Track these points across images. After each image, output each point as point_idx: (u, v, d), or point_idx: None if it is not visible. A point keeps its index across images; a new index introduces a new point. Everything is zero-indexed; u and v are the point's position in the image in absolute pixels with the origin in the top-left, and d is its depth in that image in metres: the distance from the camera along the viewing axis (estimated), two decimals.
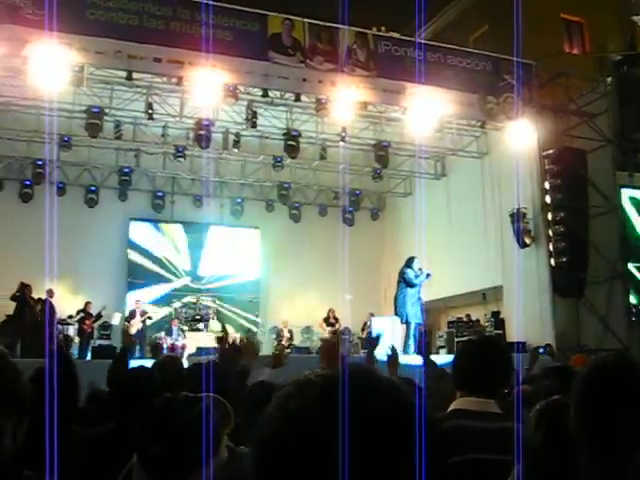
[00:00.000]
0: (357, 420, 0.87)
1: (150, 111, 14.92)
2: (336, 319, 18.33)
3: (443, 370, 4.24)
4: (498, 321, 16.82)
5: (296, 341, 18.36)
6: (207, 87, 13.34)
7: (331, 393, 0.90)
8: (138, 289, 18.70)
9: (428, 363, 4.68)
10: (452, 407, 2.59)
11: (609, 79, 16.82)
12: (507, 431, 2.24)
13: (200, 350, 15.01)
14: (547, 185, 15.45)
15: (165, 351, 15.32)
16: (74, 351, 15.87)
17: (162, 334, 16.44)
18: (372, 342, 4.73)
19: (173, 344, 16.02)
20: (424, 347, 5.17)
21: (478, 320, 17.63)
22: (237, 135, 16.92)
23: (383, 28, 17.01)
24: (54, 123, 14.75)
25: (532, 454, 1.93)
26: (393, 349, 4.29)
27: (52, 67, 12.11)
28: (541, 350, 11.51)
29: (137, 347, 16.20)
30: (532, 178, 15.67)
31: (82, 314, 16.17)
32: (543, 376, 3.44)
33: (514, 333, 15.60)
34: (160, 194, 19.38)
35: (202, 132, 15.14)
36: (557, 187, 15.31)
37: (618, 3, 25.47)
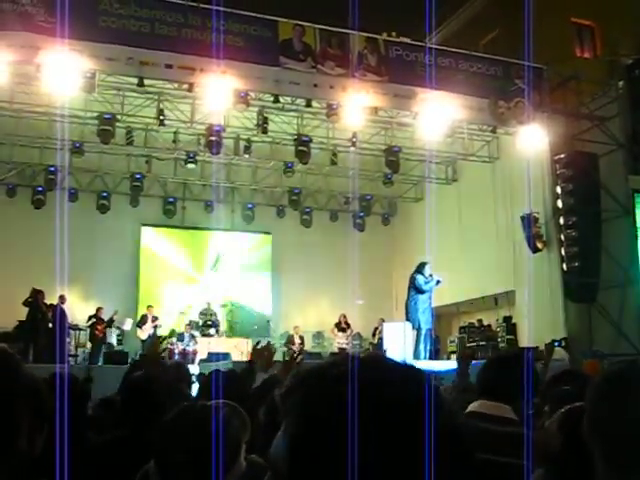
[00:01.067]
0: (378, 408, 0.88)
1: (161, 117, 14.97)
2: (348, 324, 18.32)
3: (471, 384, 4.27)
4: (510, 326, 16.77)
5: (307, 346, 18.34)
6: (218, 93, 13.38)
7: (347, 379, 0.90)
8: (150, 295, 18.74)
9: (462, 372, 4.72)
10: (468, 410, 2.62)
11: (620, 83, 16.76)
12: (519, 436, 2.26)
13: (211, 355, 15.04)
14: (559, 189, 15.38)
15: (176, 357, 15.37)
16: (85, 356, 15.99)
17: (174, 339, 16.46)
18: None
19: (184, 349, 16.05)
20: (461, 359, 5.18)
21: (490, 325, 17.58)
22: (248, 141, 16.96)
23: (394, 33, 17.03)
24: (66, 129, 14.84)
25: (553, 460, 1.93)
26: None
27: (64, 74, 12.17)
28: (556, 343, 11.44)
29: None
30: (544, 183, 15.62)
31: (94, 319, 16.23)
32: (559, 381, 3.43)
33: (526, 338, 15.56)
34: (171, 200, 19.43)
35: (213, 138, 15.19)
36: (569, 191, 15.24)
37: (629, 7, 25.38)
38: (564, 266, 15.26)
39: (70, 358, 15.03)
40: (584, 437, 1.79)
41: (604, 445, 1.75)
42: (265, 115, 15.46)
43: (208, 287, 19.70)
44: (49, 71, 12.19)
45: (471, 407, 2.66)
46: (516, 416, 2.63)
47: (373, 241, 19.86)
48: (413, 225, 19.94)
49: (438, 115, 14.59)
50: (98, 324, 16.16)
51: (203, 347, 16.08)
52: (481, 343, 17.09)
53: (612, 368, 1.90)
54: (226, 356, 14.70)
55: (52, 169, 17.02)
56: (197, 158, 17.37)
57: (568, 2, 23.13)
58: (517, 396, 2.66)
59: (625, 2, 25.32)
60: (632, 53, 23.74)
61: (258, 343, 5.12)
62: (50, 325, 14.58)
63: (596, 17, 24.35)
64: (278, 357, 17.34)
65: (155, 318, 16.84)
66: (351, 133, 16.11)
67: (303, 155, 16.03)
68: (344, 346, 17.73)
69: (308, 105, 14.94)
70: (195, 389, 5.11)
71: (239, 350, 15.43)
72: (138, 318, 17.21)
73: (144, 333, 16.48)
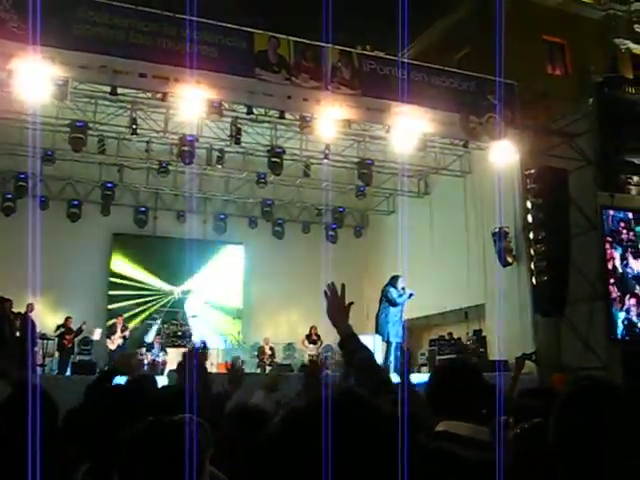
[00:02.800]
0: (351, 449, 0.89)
1: (134, 126, 14.90)
2: (318, 336, 18.31)
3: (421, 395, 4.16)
4: (480, 339, 16.87)
5: (278, 358, 18.30)
6: (192, 103, 13.34)
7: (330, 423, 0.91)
8: (119, 304, 18.58)
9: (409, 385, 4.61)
10: (440, 428, 2.51)
11: (590, 100, 17.01)
12: (492, 462, 2.19)
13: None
14: (529, 204, 15.54)
15: (146, 367, 15.23)
16: (54, 366, 15.78)
17: (143, 350, 16.31)
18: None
19: (154, 360, 15.92)
20: (406, 367, 5.05)
21: (460, 338, 17.66)
22: (221, 151, 16.95)
23: (368, 47, 17.16)
24: (37, 137, 14.71)
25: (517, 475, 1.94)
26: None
27: (36, 81, 12.07)
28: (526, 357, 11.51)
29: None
30: (514, 197, 15.78)
31: (62, 329, 16.05)
32: (524, 397, 3.46)
33: (496, 351, 15.66)
34: (143, 209, 19.32)
35: (186, 148, 15.14)
36: (539, 206, 15.40)
37: (600, 26, 25.84)
38: (533, 280, 15.41)
39: (38, 368, 14.83)
40: (549, 451, 1.82)
41: (569, 460, 1.78)
42: (238, 126, 15.46)
43: (179, 297, 19.59)
44: (21, 78, 12.07)
45: (443, 425, 2.52)
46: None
47: (345, 253, 19.88)
48: (385, 238, 20.02)
49: (411, 129, 14.69)
50: (67, 334, 15.97)
51: (173, 358, 15.95)
52: (452, 356, 17.15)
53: (575, 387, 1.93)
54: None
55: (22, 176, 16.83)
56: (169, 168, 17.31)
57: (540, 20, 23.50)
58: (478, 410, 2.57)
59: (595, 21, 25.80)
60: (602, 71, 24.17)
61: (233, 365, 5.10)
62: (17, 334, 14.38)
63: (567, 35, 24.76)
64: (250, 368, 17.35)
65: (125, 328, 16.68)
66: (324, 145, 16.15)
67: (276, 166, 16.05)
68: (314, 358, 17.69)
69: (281, 117, 14.99)
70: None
71: (209, 362, 15.34)
72: (107, 328, 17.06)
73: (113, 343, 16.32)
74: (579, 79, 23.62)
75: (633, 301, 15.69)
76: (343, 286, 3.19)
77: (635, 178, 22.82)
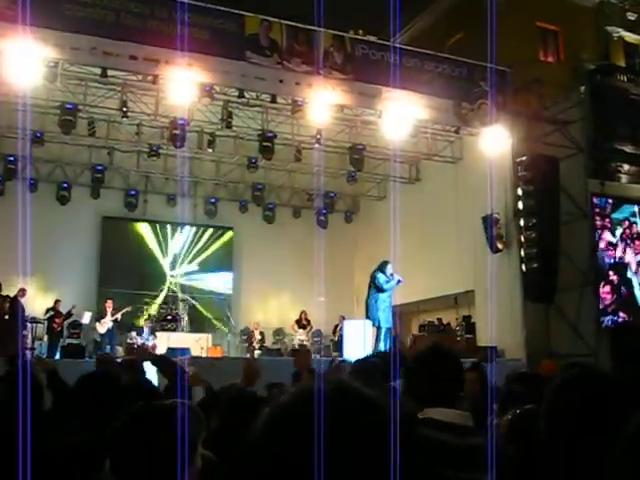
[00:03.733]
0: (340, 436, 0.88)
1: (125, 109, 14.78)
2: (308, 321, 18.36)
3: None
4: (469, 325, 16.94)
5: (268, 343, 18.34)
6: (183, 86, 13.27)
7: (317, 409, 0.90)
8: (109, 288, 18.54)
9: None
10: (424, 415, 2.52)
11: (583, 88, 17.00)
12: (480, 447, 2.20)
13: (170, 351, 14.93)
14: (520, 191, 15.57)
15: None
16: (43, 350, 15.75)
17: (133, 334, 16.31)
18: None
19: (144, 344, 15.90)
20: (398, 354, 5.05)
21: (449, 324, 17.73)
22: (212, 135, 16.87)
23: (361, 31, 17.06)
24: (27, 119, 14.59)
25: (506, 465, 1.94)
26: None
27: (26, 62, 11.97)
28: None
29: (108, 347, 16.10)
30: (505, 184, 15.78)
31: (51, 312, 16.02)
32: (511, 383, 3.46)
33: (484, 338, 15.73)
34: (133, 192, 19.25)
35: (177, 131, 15.06)
36: (530, 193, 15.43)
37: (593, 13, 25.79)
38: (523, 267, 15.46)
39: (27, 351, 14.81)
40: (540, 440, 1.82)
41: (560, 448, 1.78)
42: (230, 110, 15.37)
43: (168, 281, 19.58)
44: (11, 59, 11.97)
45: (427, 412, 2.53)
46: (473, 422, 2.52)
47: (335, 238, 19.89)
48: (376, 223, 20.00)
49: (402, 114, 14.67)
50: (56, 317, 15.95)
51: (163, 342, 15.96)
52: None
53: (565, 375, 1.93)
54: (185, 352, 14.60)
55: (12, 159, 16.75)
56: (160, 151, 17.23)
57: (533, 6, 23.42)
58: (456, 395, 2.58)
59: (589, 9, 25.75)
60: (595, 59, 24.15)
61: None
62: (6, 317, 14.34)
63: (560, 22, 24.69)
64: (239, 353, 17.38)
65: (115, 311, 16.66)
66: (316, 130, 16.09)
67: (267, 151, 15.99)
68: (304, 343, 17.75)
69: (273, 101, 14.92)
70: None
71: (199, 345, 15.36)
72: (97, 311, 17.04)
73: (103, 327, 16.31)
74: (572, 66, 23.55)
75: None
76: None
77: (625, 166, 22.83)
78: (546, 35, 25.34)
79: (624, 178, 22.39)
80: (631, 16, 26.51)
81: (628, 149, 23.20)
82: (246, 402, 2.98)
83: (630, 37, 26.61)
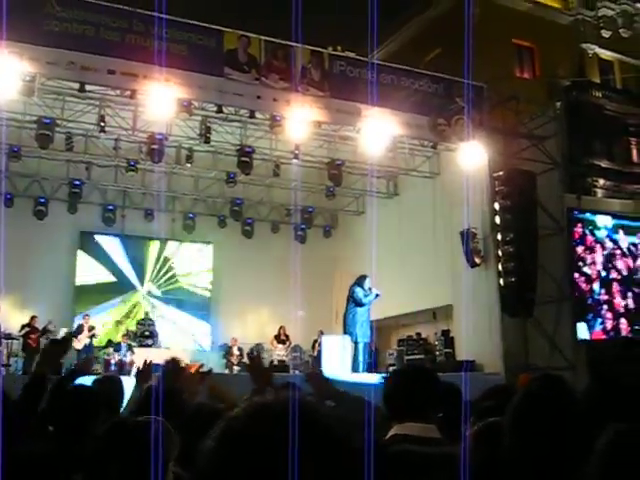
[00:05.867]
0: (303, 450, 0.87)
1: (102, 124, 14.73)
2: (287, 336, 18.31)
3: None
4: (448, 339, 16.98)
5: (246, 359, 18.24)
6: (161, 101, 13.25)
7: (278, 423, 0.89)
8: (87, 304, 18.39)
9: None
10: (392, 432, 2.54)
11: (558, 104, 17.21)
12: (447, 457, 2.23)
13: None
14: (497, 206, 15.67)
15: (113, 368, 15.11)
16: (18, 366, 15.57)
17: (110, 350, 16.17)
18: None
19: (121, 360, 15.78)
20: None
21: (428, 338, 17.76)
22: (190, 150, 16.84)
23: (339, 47, 17.17)
24: (3, 133, 14.50)
25: (469, 475, 1.94)
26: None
27: (2, 76, 11.90)
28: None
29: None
30: (482, 199, 15.87)
31: (27, 328, 15.85)
32: (486, 396, 3.47)
33: (463, 352, 15.77)
34: (111, 207, 19.14)
35: (155, 146, 15.03)
36: (507, 208, 15.53)
37: (568, 31, 26.16)
38: (501, 281, 15.53)
39: (2, 368, 14.63)
40: (504, 450, 1.83)
41: (523, 458, 1.79)
42: (208, 125, 15.36)
43: (147, 297, 19.47)
44: None
45: (395, 430, 2.57)
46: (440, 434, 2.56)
47: (314, 253, 19.88)
48: (354, 238, 20.03)
49: (380, 131, 14.74)
50: (32, 333, 15.77)
51: (140, 358, 15.80)
52: (419, 356, 17.26)
53: (527, 388, 1.94)
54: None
55: None
56: (138, 166, 17.15)
57: (510, 24, 23.74)
58: (431, 412, 2.61)
59: (564, 26, 26.12)
60: (570, 75, 24.47)
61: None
62: None
63: (536, 39, 25.02)
64: (218, 368, 17.27)
65: (92, 328, 16.52)
66: (294, 145, 16.12)
67: (245, 166, 15.98)
68: (283, 358, 17.70)
69: (252, 116, 14.92)
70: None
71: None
72: (74, 327, 16.88)
73: (80, 343, 16.16)
74: (547, 83, 23.89)
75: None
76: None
77: (601, 181, 23.18)
78: (522, 52, 25.66)
79: (600, 192, 22.71)
80: (605, 33, 26.93)
81: (603, 164, 23.57)
82: (205, 417, 2.97)
83: (604, 54, 27.01)
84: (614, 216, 17.27)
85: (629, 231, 17.20)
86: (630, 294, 16.68)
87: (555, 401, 1.83)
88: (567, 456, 1.79)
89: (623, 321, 16.43)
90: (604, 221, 17.09)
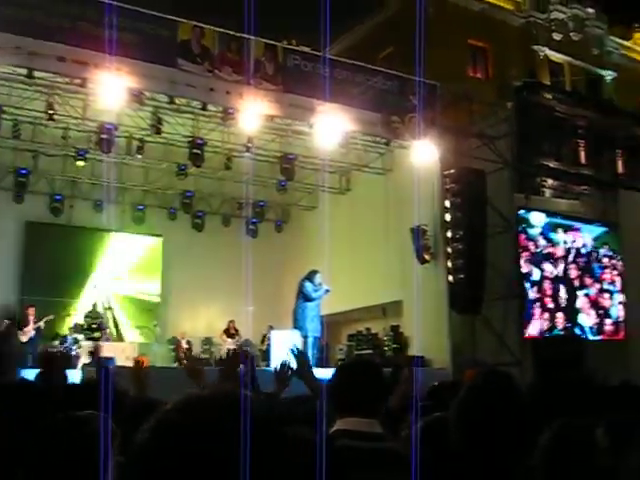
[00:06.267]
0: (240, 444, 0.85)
1: (51, 111, 14.43)
2: (236, 330, 18.24)
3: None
4: (397, 335, 17.11)
5: (196, 352, 18.12)
6: (112, 90, 13.04)
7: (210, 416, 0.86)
8: (32, 296, 18.02)
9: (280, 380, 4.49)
10: (335, 427, 2.53)
11: (509, 104, 17.45)
12: (390, 451, 2.24)
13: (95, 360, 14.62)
14: (447, 203, 15.82)
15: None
16: None
17: (56, 343, 15.89)
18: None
19: (68, 353, 15.51)
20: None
21: (377, 334, 17.87)
22: (141, 141, 16.60)
23: (294, 41, 17.11)
24: None
25: (417, 470, 1.94)
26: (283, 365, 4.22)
27: None
28: None
29: (30, 356, 15.63)
30: (433, 196, 16.00)
31: None
32: (432, 392, 3.51)
33: (412, 347, 15.92)
34: (59, 197, 18.76)
35: (105, 136, 14.78)
36: (457, 206, 15.69)
37: (520, 33, 26.54)
38: (450, 278, 15.70)
39: None
40: (451, 444, 1.83)
41: (469, 451, 1.80)
42: (159, 116, 15.17)
43: (94, 289, 19.16)
44: None
45: (338, 425, 2.56)
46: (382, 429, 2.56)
47: (265, 247, 19.80)
48: (306, 233, 20.07)
49: (334, 126, 14.75)
50: None
51: (87, 351, 15.60)
52: (368, 351, 17.36)
53: (472, 382, 1.95)
54: (110, 361, 14.31)
55: None
56: (87, 156, 16.85)
57: (464, 24, 23.97)
58: (377, 407, 2.61)
59: (516, 28, 26.50)
60: (521, 76, 24.84)
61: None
62: None
63: (489, 40, 25.33)
64: (166, 362, 17.14)
65: (38, 319, 16.20)
66: (246, 138, 16.04)
67: (197, 158, 15.84)
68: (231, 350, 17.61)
69: (204, 108, 14.78)
70: None
71: (125, 355, 15.06)
72: (17, 319, 16.52)
73: (25, 335, 15.83)
74: (499, 83, 24.20)
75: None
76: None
77: (550, 181, 23.57)
78: (475, 52, 25.95)
79: (548, 192, 23.11)
80: (556, 36, 27.39)
81: (552, 164, 23.94)
82: (145, 410, 2.93)
83: (555, 56, 27.49)
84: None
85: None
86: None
87: (499, 396, 1.84)
88: (512, 450, 1.79)
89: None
90: (552, 220, 17.41)
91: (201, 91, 14.13)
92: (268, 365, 14.52)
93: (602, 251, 18.24)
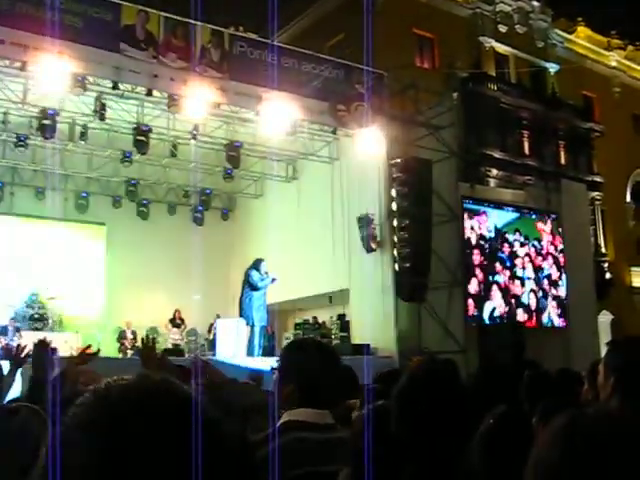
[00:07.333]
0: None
1: None
2: (182, 320, 18.09)
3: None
4: (344, 323, 17.18)
5: (140, 342, 17.90)
6: (53, 75, 12.70)
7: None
8: None
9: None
10: (284, 419, 2.48)
11: (455, 94, 17.64)
12: (341, 441, 2.22)
13: None
14: (394, 192, 15.93)
15: None
16: None
17: None
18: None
19: (8, 344, 15.18)
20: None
21: (324, 322, 17.92)
22: (84, 127, 16.25)
23: (241, 28, 16.97)
24: None
25: (359, 457, 1.94)
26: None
27: None
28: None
29: None
30: (380, 185, 16.09)
31: None
32: (377, 380, 3.52)
33: (358, 335, 16.01)
34: None
35: (47, 121, 14.45)
36: (403, 195, 15.81)
37: (467, 24, 26.79)
38: (396, 266, 15.83)
39: None
40: (392, 431, 1.84)
41: (409, 439, 1.80)
42: (103, 101, 14.86)
43: (36, 277, 18.75)
44: None
45: (288, 415, 2.50)
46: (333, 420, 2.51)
47: (211, 236, 19.64)
48: (252, 221, 19.98)
49: (280, 114, 14.68)
50: None
51: (29, 342, 15.26)
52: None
53: (411, 369, 1.96)
54: (53, 352, 14.03)
55: None
56: (28, 142, 16.43)
57: (410, 14, 24.08)
58: (332, 398, 2.56)
59: (463, 19, 26.73)
60: (467, 67, 25.11)
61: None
62: None
63: (436, 30, 25.50)
64: (111, 353, 16.89)
65: None
66: (192, 125, 15.86)
67: (142, 145, 15.59)
68: (178, 342, 17.47)
69: (149, 94, 14.53)
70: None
71: (69, 346, 14.80)
72: None
73: None
74: (445, 73, 24.43)
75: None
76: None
77: (494, 171, 23.97)
78: (422, 42, 26.09)
79: (492, 182, 23.48)
80: (502, 28, 27.72)
81: (497, 154, 24.38)
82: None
83: (501, 48, 27.82)
84: (506, 205, 17.82)
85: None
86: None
87: (439, 383, 1.85)
88: (452, 438, 1.80)
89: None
90: (496, 210, 17.68)
91: (145, 77, 13.89)
92: (214, 354, 14.43)
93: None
